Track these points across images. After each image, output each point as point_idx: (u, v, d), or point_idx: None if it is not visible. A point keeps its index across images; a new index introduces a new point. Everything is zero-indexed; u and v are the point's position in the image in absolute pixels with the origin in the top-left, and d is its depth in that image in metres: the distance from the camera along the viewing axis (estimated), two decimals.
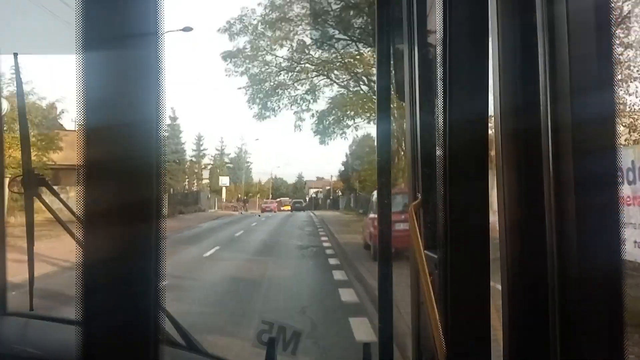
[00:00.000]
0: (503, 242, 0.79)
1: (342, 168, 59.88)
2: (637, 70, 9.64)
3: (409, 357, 1.30)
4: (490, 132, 0.81)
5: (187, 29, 22.44)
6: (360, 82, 18.49)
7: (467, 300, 0.77)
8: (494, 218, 0.78)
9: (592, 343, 0.66)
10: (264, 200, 63.15)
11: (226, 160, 70.49)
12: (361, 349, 1.25)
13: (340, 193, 67.75)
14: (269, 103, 21.06)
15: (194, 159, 61.15)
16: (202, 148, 65.93)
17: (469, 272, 0.77)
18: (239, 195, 60.48)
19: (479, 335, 0.77)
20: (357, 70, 18.05)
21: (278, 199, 75.76)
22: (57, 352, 1.26)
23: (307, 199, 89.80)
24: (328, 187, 79.64)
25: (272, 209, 53.57)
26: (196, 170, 58.61)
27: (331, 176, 78.21)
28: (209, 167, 63.01)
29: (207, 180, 59.52)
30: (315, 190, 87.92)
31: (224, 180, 61.30)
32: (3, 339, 1.43)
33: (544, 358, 0.71)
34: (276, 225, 25.12)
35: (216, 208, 52.11)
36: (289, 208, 66.08)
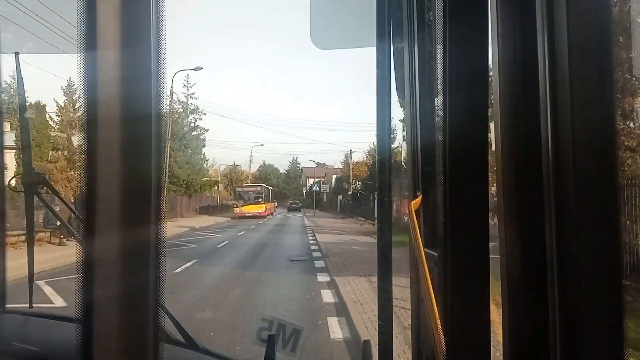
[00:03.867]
0: (503, 241, 0.79)
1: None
2: None
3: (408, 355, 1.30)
4: (490, 130, 0.81)
5: None
6: None
7: (467, 298, 0.78)
8: (493, 217, 0.78)
9: (592, 343, 0.66)
10: None
11: None
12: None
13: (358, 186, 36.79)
14: None
15: None
16: None
17: (468, 270, 0.77)
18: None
19: (478, 334, 0.77)
20: None
21: (242, 188, 40.92)
22: (57, 350, 1.26)
23: (304, 192, 66.75)
24: (336, 176, 53.19)
25: None
26: None
27: (349, 152, 49.16)
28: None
29: None
30: (316, 180, 57.01)
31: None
32: (2, 337, 1.43)
33: (544, 357, 0.71)
34: None
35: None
36: (263, 209, 36.72)
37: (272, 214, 42.43)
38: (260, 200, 38.45)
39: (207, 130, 40.11)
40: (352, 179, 43.04)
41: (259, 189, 40.41)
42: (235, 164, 59.50)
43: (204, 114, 39.54)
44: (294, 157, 74.64)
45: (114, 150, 0.55)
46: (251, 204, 37.53)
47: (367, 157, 40.15)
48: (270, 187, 46.23)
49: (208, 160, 41.56)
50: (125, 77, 0.55)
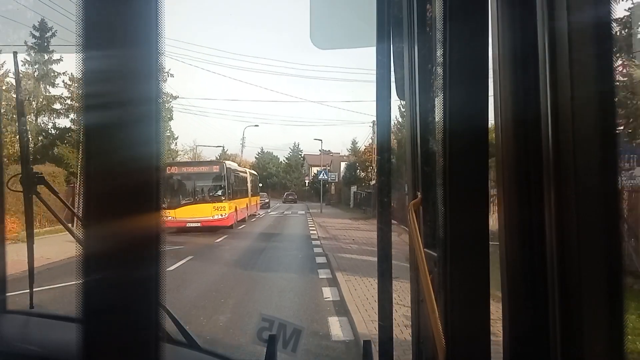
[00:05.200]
0: (503, 241, 0.79)
1: None
2: None
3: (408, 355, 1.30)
4: (490, 130, 0.81)
5: None
6: None
7: (467, 299, 0.78)
8: (493, 217, 0.78)
9: (592, 343, 0.66)
10: None
11: None
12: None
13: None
14: None
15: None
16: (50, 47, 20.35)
17: (468, 271, 0.77)
18: None
19: (478, 334, 0.77)
20: None
21: (181, 169, 16.96)
22: (58, 350, 1.26)
23: (307, 182, 57.48)
24: (346, 163, 41.65)
25: None
26: None
27: (371, 123, 30.04)
28: None
29: None
30: (321, 168, 41.82)
31: None
32: (3, 337, 1.43)
33: (544, 357, 0.71)
34: None
35: None
36: (224, 214, 16.79)
37: (254, 214, 25.95)
38: (219, 194, 18.17)
39: (175, 97, 27.04)
40: (373, 165, 27.55)
41: (215, 169, 18.71)
42: (225, 148, 46.55)
43: (171, 76, 26.23)
44: (295, 144, 64.80)
45: (113, 149, 0.55)
46: (199, 201, 17.86)
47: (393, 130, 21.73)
48: (251, 172, 27.24)
49: (177, 137, 28.92)
50: (124, 76, 0.55)
